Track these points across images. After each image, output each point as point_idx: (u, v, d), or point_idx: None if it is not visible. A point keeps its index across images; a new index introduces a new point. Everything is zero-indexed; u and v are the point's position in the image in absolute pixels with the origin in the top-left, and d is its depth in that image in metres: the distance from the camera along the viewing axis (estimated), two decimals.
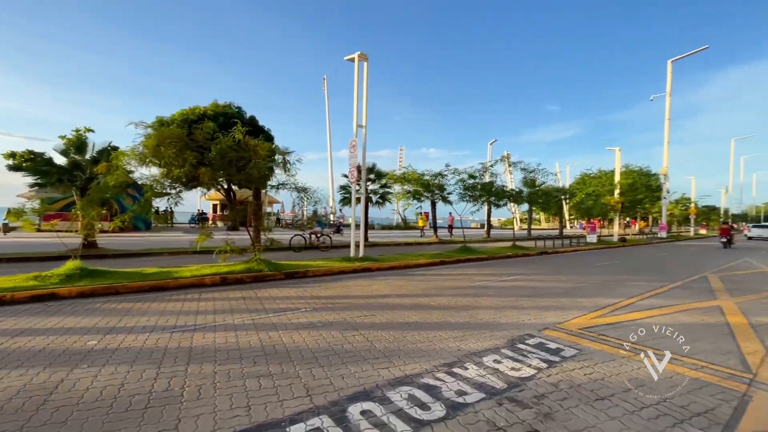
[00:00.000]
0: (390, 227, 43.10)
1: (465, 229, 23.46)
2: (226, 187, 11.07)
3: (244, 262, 9.03)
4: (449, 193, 20.23)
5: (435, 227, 22.90)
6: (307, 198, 13.58)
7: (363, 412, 2.74)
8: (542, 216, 65.48)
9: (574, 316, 5.64)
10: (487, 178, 18.58)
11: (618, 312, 6.01)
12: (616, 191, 28.77)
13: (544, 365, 3.70)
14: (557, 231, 32.93)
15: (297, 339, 4.37)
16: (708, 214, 58.98)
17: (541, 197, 24.70)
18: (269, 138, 11.52)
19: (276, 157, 10.03)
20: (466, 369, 3.56)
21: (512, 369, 3.59)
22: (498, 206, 21.44)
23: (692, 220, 47.56)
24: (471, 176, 17.36)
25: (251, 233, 10.26)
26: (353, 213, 12.00)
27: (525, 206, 28.67)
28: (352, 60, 11.97)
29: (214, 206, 35.19)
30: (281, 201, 37.73)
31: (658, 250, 21.20)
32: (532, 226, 45.70)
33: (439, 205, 21.68)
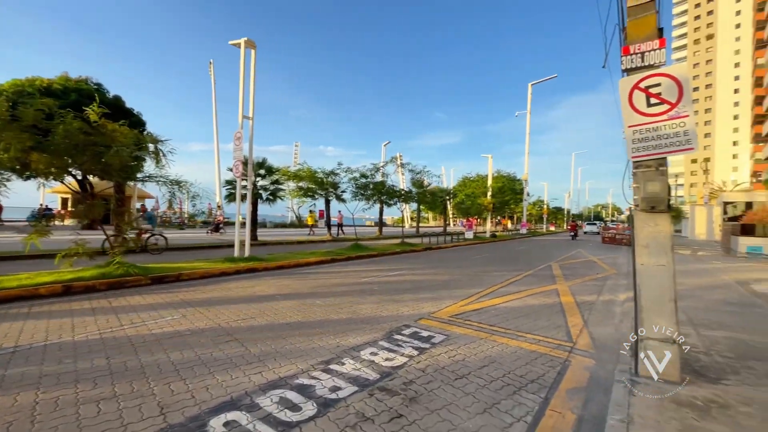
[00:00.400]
0: (284, 225, 41.55)
1: (360, 227, 23.99)
2: (79, 177, 9.21)
3: (99, 267, 7.63)
4: (343, 192, 20.42)
5: (329, 225, 22.86)
6: (185, 192, 12.20)
7: (226, 424, 2.54)
8: (430, 215, 71.10)
9: (447, 305, 6.21)
10: (379, 178, 19.28)
11: (483, 299, 6.82)
12: (489, 193, 32.77)
13: (416, 353, 3.97)
14: (442, 228, 36.10)
15: (156, 352, 3.85)
16: (556, 213, 71.69)
17: (428, 197, 26.70)
18: (139, 123, 10.02)
19: (148, 146, 8.73)
20: (343, 364, 3.60)
21: (386, 359, 3.76)
22: (389, 205, 22.47)
23: (545, 219, 57.15)
24: (363, 175, 17.80)
25: (106, 231, 8.72)
26: (238, 210, 11.16)
27: (414, 205, 30.67)
28: (238, 46, 11.12)
29: (64, 201, 29.04)
30: (156, 196, 33.06)
31: (519, 244, 24.85)
32: (421, 224, 49.10)
33: (333, 203, 21.72)
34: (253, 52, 11.25)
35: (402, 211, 23.07)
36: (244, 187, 11.48)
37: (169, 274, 8.03)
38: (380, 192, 18.62)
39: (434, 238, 22.42)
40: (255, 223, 17.84)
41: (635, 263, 3.35)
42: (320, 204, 24.15)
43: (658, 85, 3.24)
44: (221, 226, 23.23)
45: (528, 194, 38.77)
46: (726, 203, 25.44)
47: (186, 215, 38.36)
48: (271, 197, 18.54)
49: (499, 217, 54.83)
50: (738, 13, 64.80)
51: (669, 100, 3.19)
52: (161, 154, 11.08)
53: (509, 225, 54.32)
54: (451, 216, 41.91)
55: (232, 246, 11.45)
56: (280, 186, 19.30)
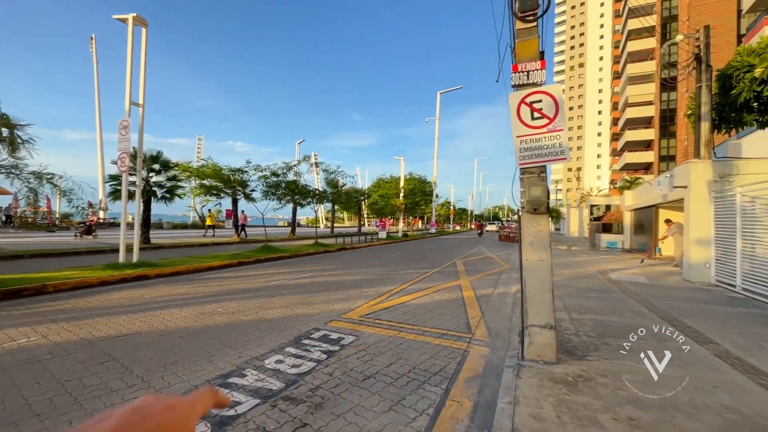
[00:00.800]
0: (184, 226, 37.65)
1: (271, 227, 22.88)
2: None
3: None
4: (252, 191, 19.27)
5: (236, 226, 21.36)
6: (53, 187, 10.29)
7: None
8: (345, 215, 71.32)
9: (358, 305, 6.23)
10: (292, 177, 18.64)
11: (393, 297, 7.01)
12: (401, 194, 34.10)
13: (324, 356, 3.89)
14: (357, 228, 36.43)
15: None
16: (461, 214, 77.77)
17: (343, 197, 26.69)
18: None
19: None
20: (244, 376, 3.35)
21: (293, 366, 3.60)
22: (303, 205, 21.89)
23: (452, 219, 61.53)
24: (274, 174, 17.03)
25: None
26: (123, 209, 9.71)
27: (329, 205, 30.41)
28: (124, 21, 9.70)
29: None
30: (13, 192, 27.15)
31: (428, 242, 26.29)
32: (336, 225, 48.92)
33: (242, 202, 20.36)
34: (144, 30, 9.92)
35: (316, 211, 22.68)
36: (132, 183, 10.08)
37: (27, 286, 6.62)
38: (293, 191, 18.01)
39: (348, 238, 22.49)
40: (147, 224, 15.79)
41: (522, 259, 3.75)
42: (227, 203, 22.48)
43: (540, 101, 3.67)
44: (94, 228, 19.13)
45: (437, 196, 41.34)
46: (592, 206, 30.33)
47: (57, 215, 32.31)
48: (167, 195, 16.57)
49: (410, 217, 57.48)
50: (601, 47, 77.82)
51: (548, 115, 3.63)
52: (19, 141, 9.18)
53: (420, 225, 57.30)
54: (365, 216, 42.62)
55: (117, 251, 9.95)
56: (178, 183, 17.38)
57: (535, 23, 3.81)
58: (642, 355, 3.25)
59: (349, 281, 8.77)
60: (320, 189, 24.63)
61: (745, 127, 11.41)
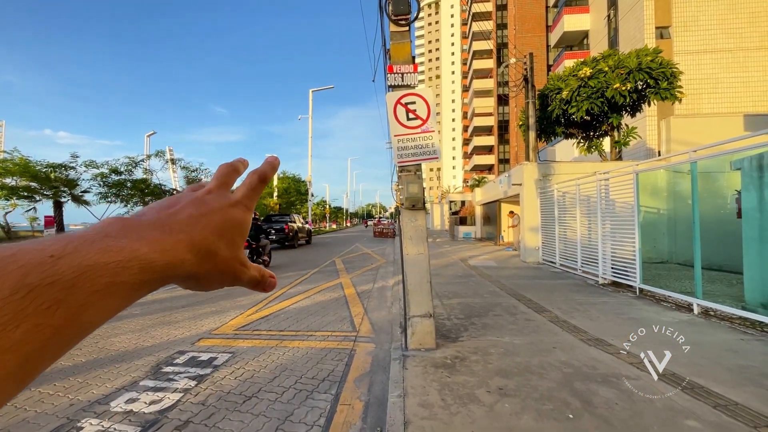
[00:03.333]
0: None
1: None
2: None
3: None
4: (85, 191, 15.65)
5: None
6: None
7: None
8: None
9: (232, 318, 5.61)
10: (140, 175, 15.83)
11: (272, 303, 6.55)
12: (275, 194, 32.53)
13: (193, 383, 3.33)
14: None
15: None
16: (337, 212, 78.77)
17: None
18: None
19: None
20: (80, 430, 2.60)
21: (152, 403, 2.98)
22: None
23: (328, 218, 61.77)
24: (115, 171, 14.17)
25: None
26: None
27: None
28: None
29: None
30: None
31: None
32: None
33: (70, 206, 16.30)
34: None
35: None
36: None
37: None
38: (142, 192, 15.30)
39: None
40: None
41: (402, 253, 3.90)
42: (45, 209, 17.72)
43: (414, 102, 3.86)
44: None
45: (312, 195, 40.84)
46: (450, 202, 34.40)
47: None
48: None
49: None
50: (453, 63, 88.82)
51: (422, 116, 3.85)
52: None
53: None
54: None
55: None
56: None
57: (407, 28, 3.99)
58: (497, 335, 3.75)
59: (219, 292, 7.85)
60: (179, 189, 21.60)
61: (555, 137, 14.51)
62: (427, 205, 58.47)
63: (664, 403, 2.62)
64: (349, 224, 68.87)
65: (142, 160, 15.82)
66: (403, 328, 4.22)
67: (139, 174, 15.71)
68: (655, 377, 2.95)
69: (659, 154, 15.27)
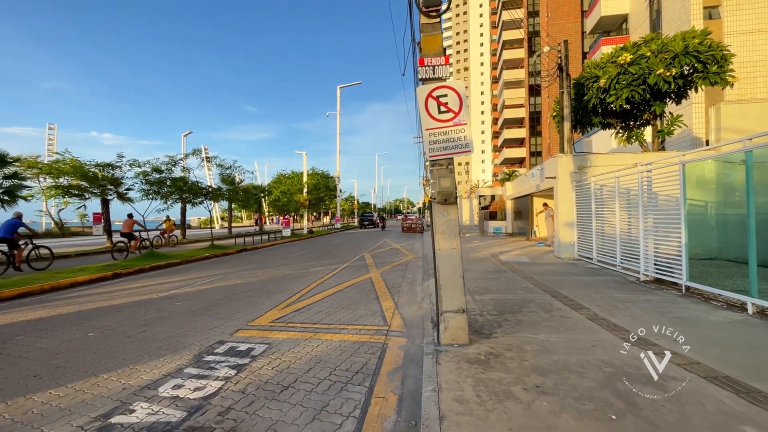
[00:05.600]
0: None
1: (157, 231, 20.08)
2: None
3: None
4: (128, 189, 16.58)
5: (109, 231, 18.16)
6: None
7: None
8: (244, 213, 66.67)
9: (267, 310, 5.79)
10: (179, 173, 16.58)
11: (305, 297, 6.70)
12: (305, 190, 33.17)
13: (233, 372, 3.47)
14: (257, 227, 34.32)
15: None
16: (365, 208, 79.31)
17: (241, 194, 24.79)
18: None
19: None
20: (133, 412, 2.78)
21: (196, 389, 3.13)
22: (194, 204, 19.69)
23: (356, 213, 62.30)
24: (156, 170, 14.90)
25: None
26: None
27: (225, 204, 27.93)
28: None
29: None
30: None
31: (334, 238, 26.14)
32: (234, 224, 45.47)
33: (115, 203, 17.33)
34: None
35: (210, 211, 20.58)
36: None
37: None
38: (182, 189, 16.03)
39: (249, 237, 21.00)
40: None
41: (434, 248, 3.88)
42: (93, 206, 18.94)
43: (446, 95, 3.81)
44: None
45: (341, 191, 41.31)
46: (480, 196, 33.75)
47: None
48: (5, 197, 13.19)
49: (315, 213, 56.49)
50: (482, 54, 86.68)
51: (453, 109, 3.79)
52: None
53: (326, 220, 56.74)
54: (266, 213, 40.35)
55: None
56: (22, 182, 13.97)
57: (438, 19, 3.93)
58: (532, 332, 3.64)
59: (254, 284, 8.13)
60: (214, 186, 22.48)
61: (591, 128, 13.87)
62: (457, 200, 57.75)
63: (716, 407, 2.47)
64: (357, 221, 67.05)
65: (181, 159, 16.54)
66: (435, 323, 4.20)
67: (177, 172, 16.44)
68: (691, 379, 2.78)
69: (707, 144, 14.28)
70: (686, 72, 10.38)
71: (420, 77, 3.95)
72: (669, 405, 2.51)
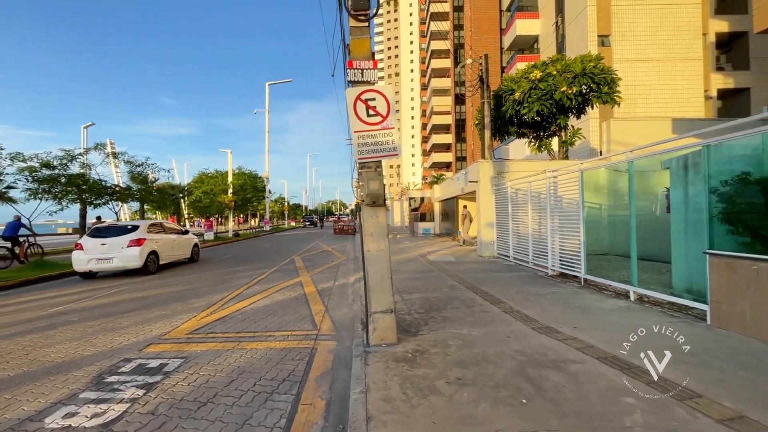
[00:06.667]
0: None
1: (46, 236, 17.30)
2: None
3: None
4: (9, 187, 14.06)
5: None
6: None
7: None
8: (159, 215, 60.60)
9: (185, 321, 5.33)
10: (77, 170, 14.51)
11: (228, 304, 6.30)
12: (230, 191, 31.22)
13: (141, 392, 3.13)
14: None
15: None
16: (296, 209, 77.22)
17: (155, 195, 22.50)
18: None
19: None
20: None
21: (94, 416, 2.76)
22: (96, 205, 17.37)
23: (286, 215, 60.34)
24: (46, 165, 12.88)
25: None
26: None
27: (136, 205, 25.09)
28: None
29: None
30: None
31: (263, 241, 25.01)
32: None
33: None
34: None
35: (117, 213, 18.33)
36: None
37: None
38: (80, 188, 14.04)
39: None
40: None
41: (363, 250, 3.90)
42: None
43: (374, 99, 3.86)
44: None
45: (270, 192, 39.68)
46: (410, 198, 34.87)
47: None
48: None
49: (242, 215, 53.50)
50: (412, 61, 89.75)
51: (382, 113, 3.86)
52: None
53: (254, 222, 54.02)
54: (185, 216, 37.09)
55: None
56: None
57: (367, 23, 3.98)
58: (456, 327, 3.86)
59: (169, 293, 7.43)
60: (122, 185, 20.09)
61: (509, 136, 15.15)
62: (388, 202, 58.84)
63: (606, 384, 2.84)
64: (294, 223, 65.11)
65: (80, 154, 14.47)
66: (364, 324, 4.23)
67: (76, 168, 14.36)
68: (597, 363, 3.18)
69: (600, 154, 16.43)
70: (584, 90, 11.85)
71: (348, 79, 3.96)
72: (569, 385, 2.83)
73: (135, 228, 10.15)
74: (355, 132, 3.86)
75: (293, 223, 67.01)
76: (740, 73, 19.48)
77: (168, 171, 24.09)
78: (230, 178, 31.57)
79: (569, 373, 3.03)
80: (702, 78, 19.04)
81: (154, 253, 10.27)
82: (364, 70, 3.93)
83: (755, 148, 4.25)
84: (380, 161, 3.92)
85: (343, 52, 5.29)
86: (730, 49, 20.36)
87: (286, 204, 60.52)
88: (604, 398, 2.63)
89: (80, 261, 9.38)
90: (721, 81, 19.45)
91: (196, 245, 13.20)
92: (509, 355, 3.44)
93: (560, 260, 7.52)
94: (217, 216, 34.99)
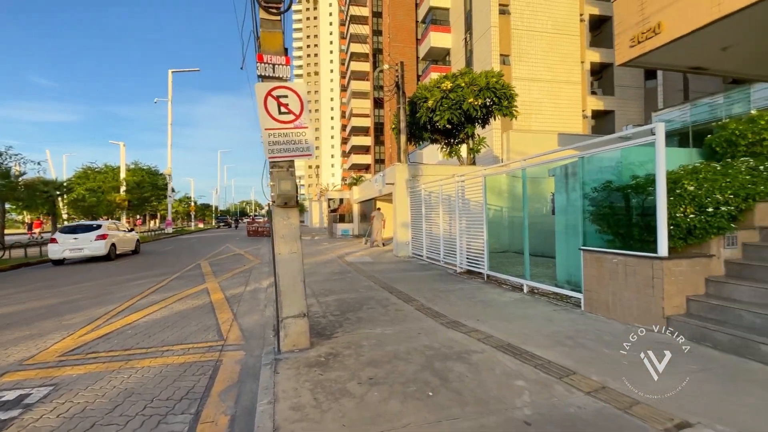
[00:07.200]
0: None
1: None
2: None
3: None
4: None
5: None
6: None
7: None
8: (27, 216, 50.51)
9: (57, 341, 4.52)
10: None
11: (115, 318, 5.51)
12: (123, 188, 27.52)
13: None
14: (32, 236, 26.52)
15: None
16: (204, 210, 71.16)
17: (21, 192, 18.76)
18: None
19: None
20: None
21: None
22: None
23: (193, 216, 55.24)
24: None
25: None
26: None
27: None
28: None
29: None
30: None
31: (165, 244, 22.51)
32: (14, 231, 34.21)
33: None
34: None
35: None
36: None
37: None
38: None
39: (37, 248, 16.06)
40: None
41: (275, 253, 3.74)
42: None
43: (287, 96, 3.72)
44: None
45: (173, 190, 35.91)
46: (329, 199, 34.58)
47: None
48: None
49: (139, 216, 47.33)
50: (332, 61, 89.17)
51: (294, 111, 3.74)
52: None
53: (153, 224, 48.20)
54: (63, 217, 31.48)
55: None
56: None
57: (279, 17, 3.82)
58: (370, 327, 3.92)
59: (37, 309, 6.24)
60: None
61: (423, 142, 15.96)
62: (306, 203, 57.47)
63: (502, 370, 3.14)
64: (202, 224, 60.06)
65: None
66: (276, 330, 4.04)
67: None
68: (498, 354, 3.50)
69: (502, 161, 18.25)
70: (488, 103, 13.02)
71: (259, 74, 3.76)
72: (470, 374, 3.06)
73: (99, 226, 13.44)
74: (265, 129, 3.68)
75: (201, 225, 61.56)
76: (608, 98, 23.30)
77: (39, 164, 20.24)
78: (123, 174, 27.86)
79: (471, 363, 3.27)
80: (581, 99, 22.35)
81: (113, 245, 13.57)
82: (276, 66, 3.77)
83: (616, 161, 5.11)
84: (293, 161, 3.80)
85: (255, 45, 5.02)
86: (601, 77, 24.23)
87: (192, 204, 55.43)
88: (499, 383, 2.90)
89: (55, 252, 12.50)
90: (594, 103, 23.03)
91: (138, 240, 16.73)
92: (419, 351, 3.60)
93: (467, 258, 8.13)
94: (106, 217, 30.40)
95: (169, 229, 34.21)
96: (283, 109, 3.71)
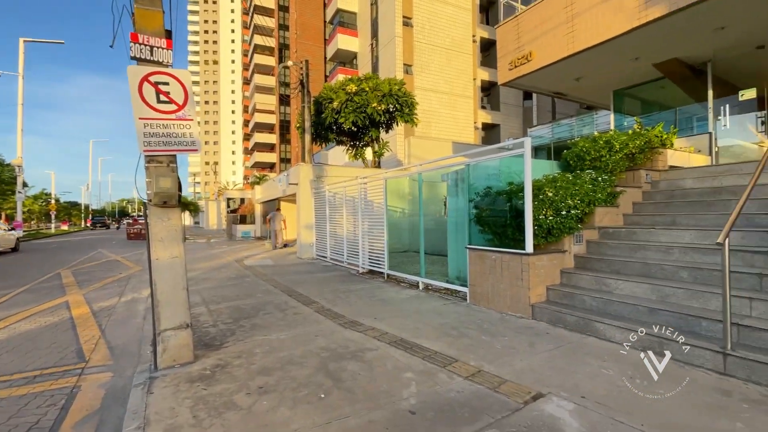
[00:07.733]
0: None
1: None
2: None
3: None
4: None
5: None
6: None
7: None
8: None
9: None
10: None
11: None
12: None
13: None
14: None
15: None
16: (70, 209, 59.82)
17: None
18: None
19: None
20: None
21: None
22: None
23: (53, 216, 45.93)
24: None
25: None
26: None
27: None
28: None
29: None
30: None
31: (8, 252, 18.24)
32: None
33: None
34: None
35: None
36: None
37: None
38: None
39: None
40: None
41: (151, 259, 3.33)
42: None
43: (168, 84, 3.35)
44: None
45: (25, 185, 29.38)
46: (228, 199, 32.13)
47: None
48: None
49: None
50: (233, 51, 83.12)
51: (177, 101, 3.38)
52: None
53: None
54: None
55: None
56: None
57: None
58: (265, 334, 3.76)
59: None
60: None
61: (329, 143, 15.89)
62: (201, 203, 52.44)
63: (393, 364, 3.28)
64: (66, 226, 50.44)
65: None
66: (153, 345, 3.60)
67: None
68: (391, 349, 3.66)
69: (405, 165, 19.19)
70: (391, 109, 13.55)
71: (132, 55, 3.31)
72: (364, 372, 3.14)
73: None
74: (140, 119, 3.25)
75: (65, 227, 51.52)
76: (495, 112, 26.23)
77: None
78: None
79: (365, 361, 3.36)
80: (473, 112, 24.74)
81: None
82: (155, 48, 3.37)
83: (496, 168, 5.78)
84: (174, 156, 3.43)
85: (131, 22, 4.43)
86: (489, 93, 27.16)
87: (53, 202, 46.07)
88: (390, 377, 3.03)
89: None
90: (484, 117, 25.69)
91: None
92: (314, 353, 3.56)
93: (369, 259, 8.33)
94: None
95: (19, 232, 27.85)
96: (163, 98, 3.33)
